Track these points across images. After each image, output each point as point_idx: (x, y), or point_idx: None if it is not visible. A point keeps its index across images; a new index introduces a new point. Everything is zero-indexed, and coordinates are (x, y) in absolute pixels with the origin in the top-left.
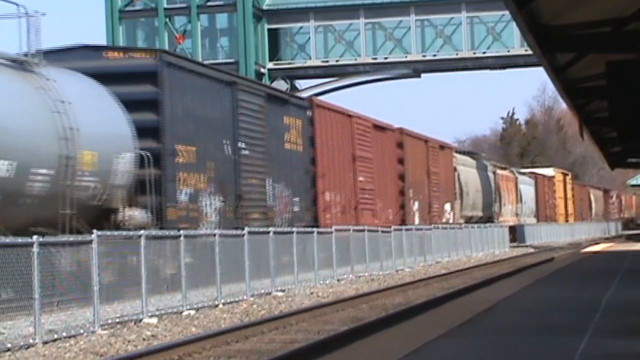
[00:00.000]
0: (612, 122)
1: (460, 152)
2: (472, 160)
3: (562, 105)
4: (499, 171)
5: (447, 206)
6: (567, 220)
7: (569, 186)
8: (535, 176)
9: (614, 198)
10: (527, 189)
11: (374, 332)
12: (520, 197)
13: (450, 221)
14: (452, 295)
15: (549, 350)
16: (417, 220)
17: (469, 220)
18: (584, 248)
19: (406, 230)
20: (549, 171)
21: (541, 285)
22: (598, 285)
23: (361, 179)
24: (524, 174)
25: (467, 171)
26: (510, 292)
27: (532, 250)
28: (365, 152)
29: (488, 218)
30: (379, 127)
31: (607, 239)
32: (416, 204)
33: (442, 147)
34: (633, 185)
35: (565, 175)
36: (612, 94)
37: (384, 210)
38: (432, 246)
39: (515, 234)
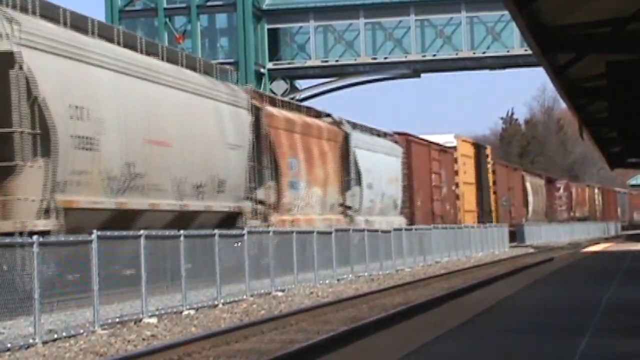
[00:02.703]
0: (612, 122)
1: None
2: (129, 55)
3: (562, 105)
4: (272, 109)
5: None
6: (479, 222)
7: (486, 167)
8: (406, 141)
9: (562, 190)
10: (382, 162)
11: (374, 332)
12: (359, 178)
13: None
14: (452, 296)
15: (549, 351)
16: None
17: (108, 221)
18: (583, 248)
19: (406, 230)
20: (446, 139)
21: (541, 285)
22: (598, 285)
23: None
24: (370, 132)
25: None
26: (510, 292)
27: (532, 250)
28: None
29: (227, 217)
30: None
31: (607, 239)
32: None
33: None
34: (633, 185)
35: (478, 148)
36: (612, 95)
37: None
38: (432, 246)
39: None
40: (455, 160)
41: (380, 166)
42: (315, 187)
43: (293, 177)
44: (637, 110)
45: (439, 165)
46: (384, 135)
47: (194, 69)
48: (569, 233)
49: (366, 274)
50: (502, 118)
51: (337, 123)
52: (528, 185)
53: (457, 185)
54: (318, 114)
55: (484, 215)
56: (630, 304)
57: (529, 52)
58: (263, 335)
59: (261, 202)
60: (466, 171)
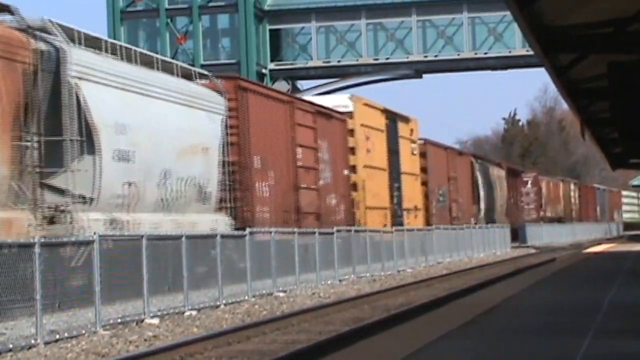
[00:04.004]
0: (614, 123)
1: None
2: None
3: (564, 105)
4: None
5: None
6: (392, 224)
7: (408, 146)
8: (236, 88)
9: (529, 185)
10: (167, 117)
11: (376, 332)
12: (90, 139)
13: None
14: (454, 296)
15: (551, 351)
16: None
17: None
18: (585, 249)
19: (408, 230)
20: (338, 101)
21: (543, 286)
22: (600, 286)
23: None
24: (140, 60)
25: None
26: (512, 292)
27: (533, 250)
28: None
29: None
30: None
31: (609, 240)
32: None
33: None
34: (634, 186)
35: (394, 118)
36: (613, 95)
37: None
38: (434, 247)
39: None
40: (351, 133)
41: (161, 123)
42: None
43: None
44: (638, 111)
45: (314, 136)
46: (187, 74)
47: None
48: (570, 233)
49: (368, 274)
50: (504, 119)
51: (25, 28)
52: (479, 175)
53: (353, 169)
54: None
55: (399, 214)
56: (633, 305)
57: (531, 52)
58: (265, 336)
59: None
60: (371, 149)
